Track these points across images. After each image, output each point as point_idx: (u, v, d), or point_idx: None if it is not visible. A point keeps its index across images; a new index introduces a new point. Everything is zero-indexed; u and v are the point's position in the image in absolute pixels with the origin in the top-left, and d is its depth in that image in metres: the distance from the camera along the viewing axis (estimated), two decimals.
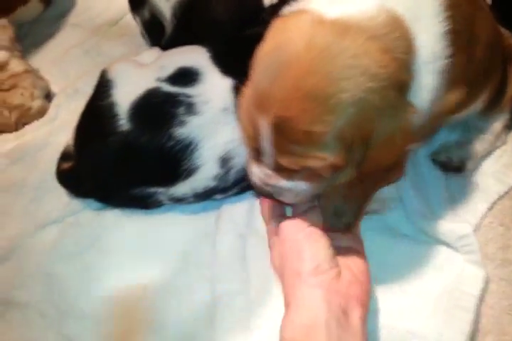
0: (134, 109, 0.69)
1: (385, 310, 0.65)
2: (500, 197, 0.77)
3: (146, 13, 0.99)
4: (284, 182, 0.49)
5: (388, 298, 0.66)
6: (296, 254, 0.51)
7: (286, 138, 0.42)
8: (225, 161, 0.71)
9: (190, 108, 0.68)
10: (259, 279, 0.71)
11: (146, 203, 0.75)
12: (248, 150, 0.52)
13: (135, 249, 0.74)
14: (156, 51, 0.94)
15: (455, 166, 0.75)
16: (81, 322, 0.68)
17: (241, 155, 0.72)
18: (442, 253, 0.70)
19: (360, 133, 0.41)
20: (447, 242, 0.70)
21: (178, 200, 0.75)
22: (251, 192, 0.75)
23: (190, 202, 0.76)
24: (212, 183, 0.73)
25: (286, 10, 0.55)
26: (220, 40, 0.80)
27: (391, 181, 0.51)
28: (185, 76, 0.71)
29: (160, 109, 0.69)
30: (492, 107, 0.73)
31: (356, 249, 0.56)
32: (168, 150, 0.69)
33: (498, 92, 0.73)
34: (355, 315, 0.49)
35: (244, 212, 0.77)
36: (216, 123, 0.69)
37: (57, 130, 0.90)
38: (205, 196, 0.75)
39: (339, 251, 0.54)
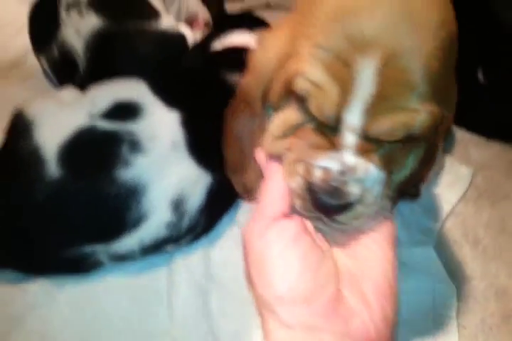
0: (65, 152, 0.57)
1: None
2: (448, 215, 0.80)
3: (55, 51, 0.89)
4: (372, 169, 0.35)
5: None
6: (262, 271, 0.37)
7: (393, 85, 0.32)
8: (177, 205, 0.62)
9: (135, 146, 0.59)
10: (229, 339, 0.61)
11: (81, 266, 0.61)
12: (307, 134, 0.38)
13: (72, 329, 0.59)
14: (73, 89, 0.83)
15: (411, 193, 0.76)
16: None
17: (195, 196, 0.63)
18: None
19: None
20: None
21: (122, 258, 0.63)
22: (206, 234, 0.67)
23: (136, 259, 0.64)
24: (163, 233, 0.62)
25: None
26: (154, 74, 0.73)
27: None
28: (125, 111, 0.61)
29: (98, 149, 0.58)
30: None
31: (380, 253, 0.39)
32: (111, 198, 0.57)
33: None
34: None
35: (201, 260, 0.68)
36: (165, 161, 0.60)
37: None
38: (155, 249, 0.64)
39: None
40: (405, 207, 0.79)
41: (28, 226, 0.57)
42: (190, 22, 1.24)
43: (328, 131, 0.36)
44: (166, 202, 0.61)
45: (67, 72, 0.89)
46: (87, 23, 0.86)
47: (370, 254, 0.38)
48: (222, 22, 1.00)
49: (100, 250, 0.60)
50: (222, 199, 0.70)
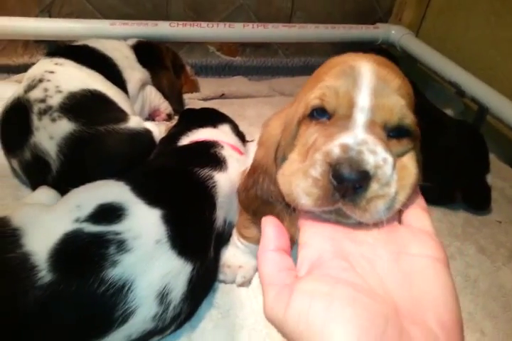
0: (55, 257, 0.61)
1: None
2: None
3: (27, 154, 0.94)
4: (381, 147, 0.42)
5: None
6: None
7: (386, 81, 0.45)
8: (163, 297, 0.66)
9: (121, 246, 0.64)
10: None
11: None
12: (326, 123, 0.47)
13: None
14: (48, 189, 0.89)
15: None
16: None
17: (178, 286, 0.68)
18: None
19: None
20: None
21: None
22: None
23: None
24: (150, 325, 0.65)
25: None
26: (132, 173, 0.80)
27: None
28: (109, 213, 0.67)
29: (87, 252, 0.62)
30: None
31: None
32: (100, 297, 0.61)
33: None
34: None
35: None
36: (150, 257, 0.65)
37: None
38: None
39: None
40: None
41: (20, 331, 0.58)
42: (154, 114, 1.35)
43: (339, 125, 0.44)
44: (152, 296, 0.65)
45: (40, 172, 0.93)
46: (59, 128, 0.93)
47: (426, 283, 0.35)
48: (187, 116, 1.10)
49: None
50: (201, 285, 0.75)
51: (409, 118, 0.46)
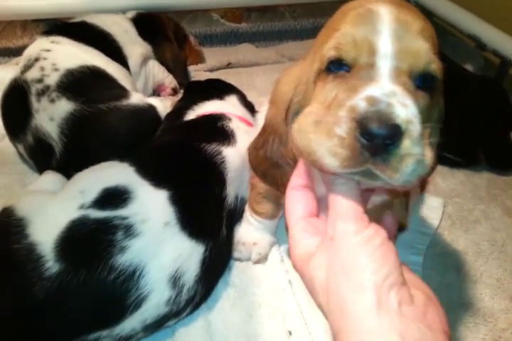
0: (62, 246, 0.60)
1: None
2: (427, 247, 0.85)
3: (30, 138, 0.92)
4: (409, 98, 0.38)
5: None
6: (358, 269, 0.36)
7: (408, 25, 0.42)
8: (175, 280, 0.64)
9: (129, 230, 0.62)
10: None
11: None
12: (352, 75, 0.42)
13: None
14: (53, 174, 0.87)
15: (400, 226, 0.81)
16: None
17: (191, 268, 0.66)
18: None
19: None
20: None
21: (126, 339, 0.64)
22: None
23: (139, 339, 0.66)
24: (164, 310, 0.64)
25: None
26: (137, 152, 0.77)
27: None
28: (114, 197, 0.65)
29: (94, 239, 0.61)
30: None
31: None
32: (111, 284, 0.60)
33: None
34: None
35: (203, 329, 0.70)
36: (159, 241, 0.63)
37: None
38: (157, 326, 0.66)
39: None
40: None
41: (32, 324, 0.58)
42: (159, 89, 1.31)
43: (361, 76, 0.40)
44: (164, 280, 0.63)
45: (45, 156, 0.91)
46: (58, 108, 0.90)
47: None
48: (192, 89, 1.05)
49: (104, 335, 0.61)
50: (215, 265, 0.73)
51: (435, 64, 0.42)
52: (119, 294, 0.60)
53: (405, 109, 0.37)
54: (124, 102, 0.96)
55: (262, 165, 0.59)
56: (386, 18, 0.42)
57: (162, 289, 0.63)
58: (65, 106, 0.90)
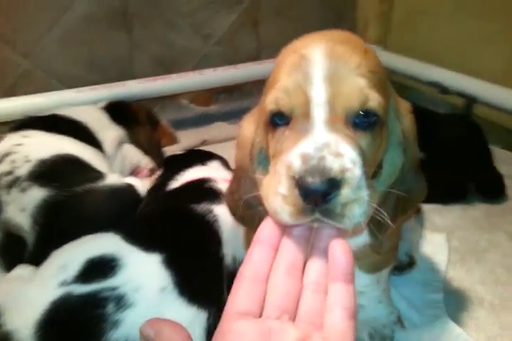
0: (42, 330, 0.53)
1: None
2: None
3: None
4: (346, 145, 0.39)
5: None
6: None
7: (342, 65, 0.42)
8: None
9: (121, 302, 0.55)
10: None
11: None
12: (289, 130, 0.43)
13: None
14: (27, 266, 0.79)
15: (406, 264, 0.77)
16: None
17: (196, 338, 0.59)
18: None
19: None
20: None
21: None
22: None
23: None
24: None
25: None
26: (122, 223, 0.73)
27: None
28: (100, 267, 0.59)
29: (80, 316, 0.54)
30: None
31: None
32: None
33: None
34: None
35: None
36: (157, 310, 0.57)
37: None
38: None
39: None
40: (405, 288, 0.78)
41: None
42: (136, 172, 1.30)
43: (298, 129, 0.41)
44: None
45: (15, 250, 0.83)
46: (30, 197, 0.85)
47: None
48: (171, 161, 1.04)
49: None
50: None
51: (372, 100, 0.42)
52: None
53: (339, 159, 0.38)
54: (101, 183, 0.93)
55: (238, 209, 0.58)
56: (318, 62, 0.42)
57: None
58: (37, 194, 0.85)
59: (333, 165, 0.37)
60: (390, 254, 0.65)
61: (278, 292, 0.36)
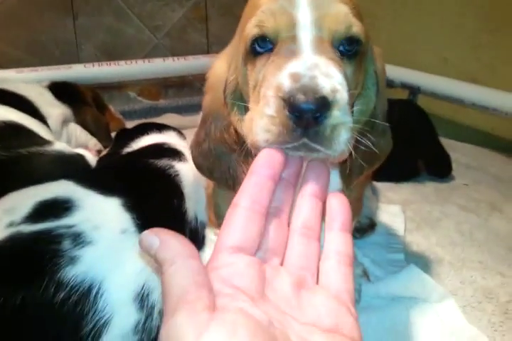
0: None
1: None
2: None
3: None
4: (333, 67, 0.38)
5: None
6: None
7: None
8: (143, 299, 0.51)
9: (79, 238, 0.50)
10: None
11: None
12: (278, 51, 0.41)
13: None
14: None
15: (367, 226, 0.77)
16: None
17: (159, 287, 0.54)
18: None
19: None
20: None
21: None
22: None
23: None
24: (132, 340, 0.50)
25: None
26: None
27: None
28: (53, 208, 0.53)
29: (32, 251, 0.48)
30: None
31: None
32: (60, 307, 0.46)
33: None
34: None
35: None
36: (118, 250, 0.52)
37: None
38: None
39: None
40: (367, 250, 0.78)
41: None
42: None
43: (284, 52, 0.39)
44: (128, 299, 0.50)
45: None
46: None
47: None
48: (124, 133, 0.99)
49: None
50: None
51: (356, 26, 0.42)
52: (72, 320, 0.46)
53: (329, 79, 0.37)
54: (48, 148, 0.87)
55: (206, 160, 0.55)
56: None
57: (127, 311, 0.50)
58: None
59: (325, 83, 0.36)
60: (355, 205, 0.65)
61: (268, 235, 0.34)
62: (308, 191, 0.36)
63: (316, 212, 0.36)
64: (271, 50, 0.42)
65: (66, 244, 0.49)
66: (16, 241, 0.49)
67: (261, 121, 0.37)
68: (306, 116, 0.35)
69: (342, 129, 0.37)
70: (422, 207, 0.97)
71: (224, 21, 1.79)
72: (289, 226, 0.36)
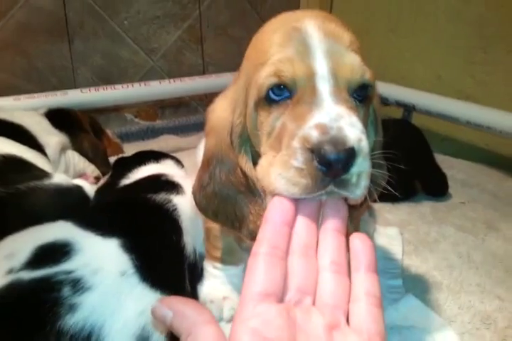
0: None
1: None
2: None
3: None
4: (354, 117, 0.39)
5: None
6: None
7: (335, 40, 0.42)
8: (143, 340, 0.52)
9: (78, 285, 0.51)
10: None
11: None
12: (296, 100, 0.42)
13: None
14: None
15: None
16: None
17: (158, 330, 0.54)
18: None
19: None
20: None
21: None
22: None
23: None
24: None
25: None
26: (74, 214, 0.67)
27: None
28: (52, 252, 0.54)
29: (32, 301, 0.48)
30: None
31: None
32: None
33: None
34: None
35: None
36: (118, 294, 0.53)
37: None
38: None
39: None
40: None
41: None
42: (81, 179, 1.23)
43: (304, 102, 0.40)
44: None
45: None
46: None
47: None
48: (122, 162, 1.00)
49: None
50: None
51: (368, 73, 0.43)
52: None
53: (354, 129, 0.38)
54: (47, 182, 0.88)
55: (211, 203, 0.54)
56: (315, 36, 0.42)
57: None
58: None
59: (351, 134, 0.37)
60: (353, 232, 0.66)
61: (297, 274, 0.34)
62: (331, 226, 0.37)
63: (341, 247, 0.36)
64: (287, 98, 0.43)
65: (66, 291, 0.50)
66: (16, 290, 0.49)
67: (287, 174, 0.38)
68: (336, 166, 0.36)
69: (364, 175, 0.38)
70: (420, 228, 0.97)
71: (219, 42, 1.81)
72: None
